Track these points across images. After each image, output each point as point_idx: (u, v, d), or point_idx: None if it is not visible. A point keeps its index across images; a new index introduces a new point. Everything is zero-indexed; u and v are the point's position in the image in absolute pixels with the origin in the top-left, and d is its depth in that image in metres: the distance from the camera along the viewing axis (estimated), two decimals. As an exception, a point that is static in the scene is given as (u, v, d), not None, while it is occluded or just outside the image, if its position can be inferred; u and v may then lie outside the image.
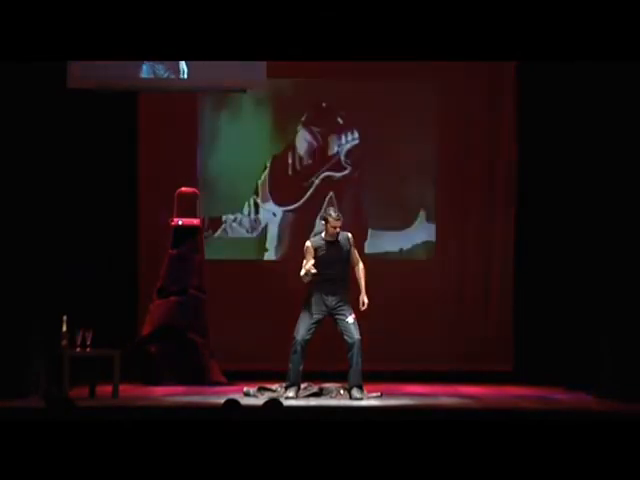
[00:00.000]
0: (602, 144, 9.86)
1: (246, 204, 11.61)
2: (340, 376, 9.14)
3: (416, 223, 11.61)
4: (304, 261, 9.03)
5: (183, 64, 9.89)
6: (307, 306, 9.05)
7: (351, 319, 9.01)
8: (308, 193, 11.56)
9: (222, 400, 6.13)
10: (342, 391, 9.14)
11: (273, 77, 10.14)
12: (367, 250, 11.29)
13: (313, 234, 9.80)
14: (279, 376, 9.23)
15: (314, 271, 8.89)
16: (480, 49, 7.92)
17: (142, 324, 10.74)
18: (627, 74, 9.33)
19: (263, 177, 11.59)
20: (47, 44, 7.80)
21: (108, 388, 9.14)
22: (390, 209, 11.59)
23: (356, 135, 11.59)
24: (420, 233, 11.61)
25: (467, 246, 11.52)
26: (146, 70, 10.01)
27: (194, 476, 5.32)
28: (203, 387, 10.10)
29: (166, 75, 10.05)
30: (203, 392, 9.62)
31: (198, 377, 10.47)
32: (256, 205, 11.61)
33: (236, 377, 10.48)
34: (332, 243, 9.03)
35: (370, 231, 11.57)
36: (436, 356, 11.24)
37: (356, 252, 9.18)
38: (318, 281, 9.01)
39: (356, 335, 8.97)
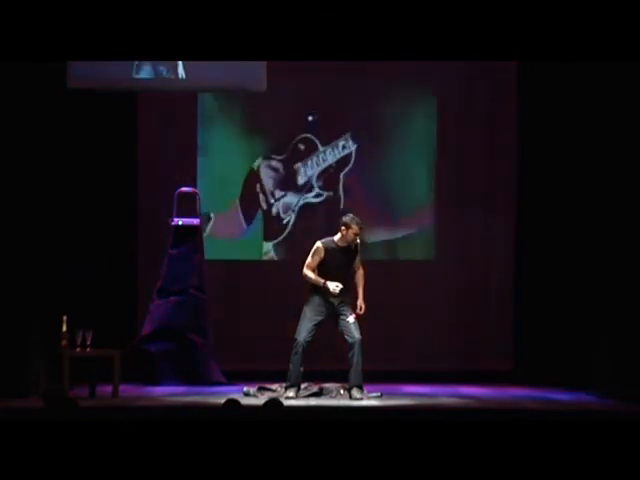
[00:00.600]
0: (603, 144, 9.86)
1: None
2: (340, 376, 9.14)
3: (416, 223, 11.61)
4: (308, 258, 9.01)
5: (181, 64, 9.90)
6: (308, 307, 9.04)
7: (352, 319, 9.01)
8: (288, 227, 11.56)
9: (222, 400, 6.13)
10: (342, 391, 9.14)
11: (274, 77, 10.19)
12: (367, 250, 11.29)
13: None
14: (279, 376, 9.23)
15: (337, 290, 8.88)
16: (480, 49, 7.92)
17: (142, 324, 10.74)
18: (627, 74, 9.33)
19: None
20: (47, 44, 7.79)
21: (108, 388, 9.14)
22: (390, 209, 11.59)
23: (327, 156, 11.55)
24: (420, 233, 11.60)
25: (467, 246, 11.51)
26: (148, 70, 10.01)
27: (194, 476, 5.31)
28: (203, 387, 10.10)
29: (167, 75, 10.06)
30: (203, 392, 9.63)
31: (198, 377, 10.47)
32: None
33: (236, 377, 10.48)
34: (345, 250, 9.02)
35: (370, 230, 11.58)
36: (436, 356, 11.24)
37: (359, 258, 9.16)
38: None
39: (357, 335, 8.97)
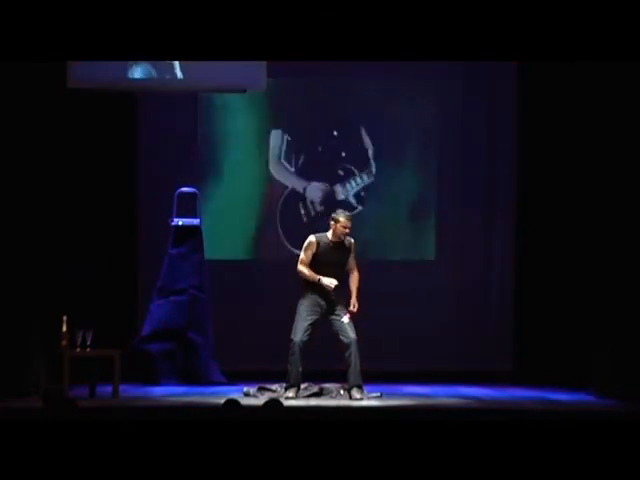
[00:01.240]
0: (603, 145, 9.87)
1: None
2: (340, 376, 9.14)
3: (416, 223, 11.61)
4: (301, 253, 9.01)
5: (181, 64, 9.89)
6: (303, 307, 9.03)
7: (346, 319, 9.00)
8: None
9: (222, 400, 6.13)
10: (342, 391, 9.14)
11: (273, 77, 10.19)
12: (368, 250, 11.29)
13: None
14: (279, 376, 9.22)
15: (332, 286, 8.88)
16: (480, 49, 7.91)
17: (142, 324, 10.75)
18: (627, 74, 9.33)
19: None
20: (47, 44, 7.79)
21: (108, 388, 9.14)
22: (390, 209, 11.60)
23: (365, 178, 11.56)
24: (420, 233, 11.60)
25: (467, 246, 11.51)
26: (148, 70, 10.01)
27: (194, 476, 5.31)
28: (203, 387, 10.11)
29: (167, 75, 10.05)
30: (203, 392, 9.63)
31: (198, 377, 10.47)
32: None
33: (236, 377, 10.48)
34: (336, 245, 9.01)
35: (370, 230, 11.58)
36: (436, 356, 11.24)
37: (353, 259, 9.14)
38: (313, 282, 9.01)
39: (352, 335, 8.96)
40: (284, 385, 9.08)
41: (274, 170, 11.46)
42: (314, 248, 8.97)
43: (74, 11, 7.63)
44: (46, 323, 9.36)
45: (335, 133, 11.53)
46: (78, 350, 9.13)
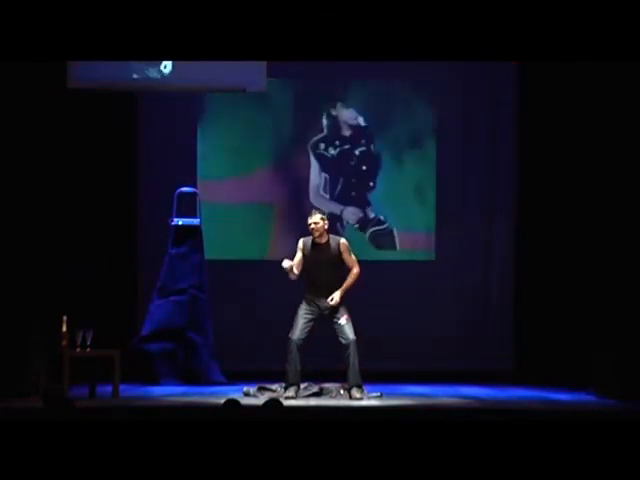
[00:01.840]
0: (603, 145, 9.87)
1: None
2: (340, 376, 9.15)
3: (416, 223, 11.61)
4: (295, 257, 9.08)
5: (181, 64, 9.89)
6: (301, 307, 9.10)
7: (344, 320, 9.01)
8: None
9: (222, 400, 6.13)
10: (342, 391, 9.14)
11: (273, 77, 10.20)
12: (367, 250, 11.30)
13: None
14: (279, 376, 9.23)
15: (293, 271, 8.93)
16: (480, 49, 7.91)
17: (142, 324, 10.75)
18: (627, 74, 9.33)
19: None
20: (47, 44, 7.79)
21: (108, 388, 9.15)
22: (390, 208, 11.60)
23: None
24: (420, 233, 11.60)
25: (467, 246, 11.51)
26: (147, 70, 10.01)
27: (194, 476, 5.31)
28: (203, 387, 10.11)
29: (167, 75, 10.06)
30: (203, 392, 9.63)
31: (198, 377, 10.48)
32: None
33: (236, 377, 10.48)
34: (318, 245, 9.05)
35: (370, 229, 11.59)
36: (436, 356, 11.24)
37: (351, 257, 9.12)
38: (309, 282, 9.06)
39: (351, 336, 8.97)
40: (284, 385, 9.08)
41: (314, 200, 11.47)
42: (301, 247, 9.08)
43: (74, 11, 7.63)
44: (46, 323, 9.36)
45: (364, 167, 11.59)
46: (78, 350, 9.13)
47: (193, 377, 10.48)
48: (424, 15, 7.70)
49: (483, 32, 7.76)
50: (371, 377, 9.41)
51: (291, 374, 9.00)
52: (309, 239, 9.12)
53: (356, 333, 8.99)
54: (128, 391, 9.57)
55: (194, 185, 11.10)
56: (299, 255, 9.07)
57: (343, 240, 9.14)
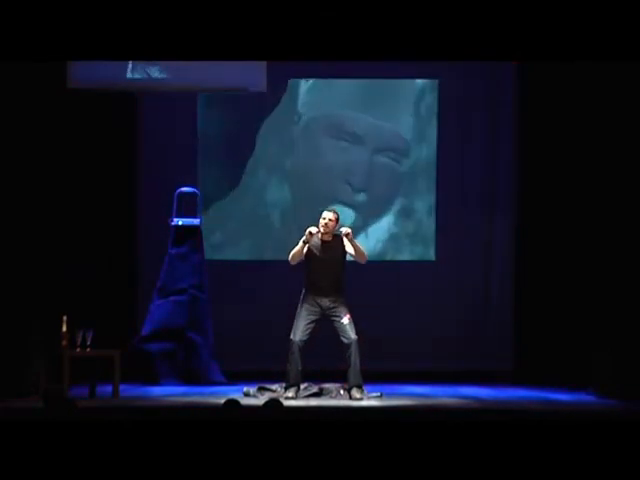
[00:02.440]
0: (603, 145, 9.87)
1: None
2: (340, 376, 9.15)
3: (416, 223, 11.61)
4: (294, 249, 9.05)
5: (181, 64, 9.89)
6: (301, 307, 9.07)
7: (346, 320, 9.01)
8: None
9: (222, 400, 6.13)
10: (342, 391, 9.14)
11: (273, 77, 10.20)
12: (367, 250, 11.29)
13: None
14: (279, 376, 9.23)
15: (312, 237, 8.93)
16: (480, 49, 7.91)
17: (142, 324, 10.75)
18: (627, 74, 9.33)
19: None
20: (47, 44, 7.79)
21: (108, 388, 9.15)
22: (389, 208, 11.60)
23: None
24: (420, 232, 11.61)
25: (467, 246, 11.52)
26: (147, 70, 10.01)
27: (194, 476, 5.31)
28: (203, 387, 10.11)
29: (167, 75, 10.06)
30: (203, 392, 9.63)
31: (198, 377, 10.48)
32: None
33: (236, 377, 10.48)
34: (325, 243, 9.04)
35: (370, 228, 11.58)
36: (436, 356, 11.24)
37: (355, 244, 9.11)
38: (311, 281, 9.04)
39: (352, 335, 8.97)
40: (284, 385, 9.08)
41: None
42: (308, 235, 9.02)
43: (74, 11, 7.62)
44: (46, 323, 9.36)
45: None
46: (78, 350, 9.13)
47: (193, 377, 10.48)
48: (424, 15, 7.70)
49: (483, 32, 7.76)
50: (371, 377, 9.42)
51: (292, 375, 9.00)
52: (316, 237, 9.09)
53: (356, 333, 8.99)
54: (128, 391, 9.57)
55: (194, 185, 11.10)
56: (300, 244, 9.02)
57: (343, 228, 9.14)
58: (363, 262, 9.18)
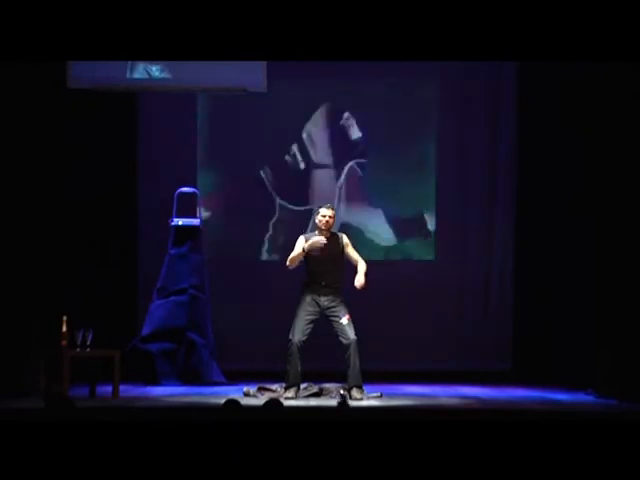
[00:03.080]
0: (603, 144, 9.86)
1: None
2: (340, 376, 9.14)
3: (416, 223, 11.61)
4: (292, 253, 9.03)
5: (181, 64, 9.88)
6: (300, 307, 9.06)
7: (345, 320, 9.00)
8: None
9: (222, 400, 6.13)
10: (342, 391, 9.14)
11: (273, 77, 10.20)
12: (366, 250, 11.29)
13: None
14: (279, 376, 9.23)
15: (324, 242, 8.90)
16: (480, 49, 7.91)
17: (142, 324, 10.74)
18: (627, 74, 9.33)
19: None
20: (47, 44, 7.79)
21: (108, 388, 9.15)
22: (391, 209, 11.61)
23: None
24: (420, 232, 11.61)
25: (467, 246, 11.51)
26: (147, 70, 10.01)
27: (194, 476, 5.32)
28: (203, 387, 10.11)
29: (167, 75, 10.07)
30: (203, 392, 9.63)
31: (198, 377, 10.47)
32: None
33: (236, 377, 10.48)
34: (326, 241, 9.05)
35: (369, 227, 11.59)
36: (436, 356, 11.24)
37: (354, 252, 9.15)
38: (310, 281, 9.04)
39: (352, 336, 8.97)
40: (284, 385, 9.08)
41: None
42: (303, 242, 9.01)
43: (74, 11, 7.62)
44: (46, 323, 9.36)
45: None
46: (78, 350, 9.12)
47: (193, 377, 10.47)
48: (424, 15, 7.70)
49: (483, 32, 7.76)
50: (371, 377, 9.41)
51: (291, 375, 9.00)
52: (311, 235, 9.11)
53: (356, 333, 8.99)
54: (128, 391, 9.56)
55: (194, 185, 11.10)
56: (299, 250, 9.02)
57: (344, 235, 9.16)
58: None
